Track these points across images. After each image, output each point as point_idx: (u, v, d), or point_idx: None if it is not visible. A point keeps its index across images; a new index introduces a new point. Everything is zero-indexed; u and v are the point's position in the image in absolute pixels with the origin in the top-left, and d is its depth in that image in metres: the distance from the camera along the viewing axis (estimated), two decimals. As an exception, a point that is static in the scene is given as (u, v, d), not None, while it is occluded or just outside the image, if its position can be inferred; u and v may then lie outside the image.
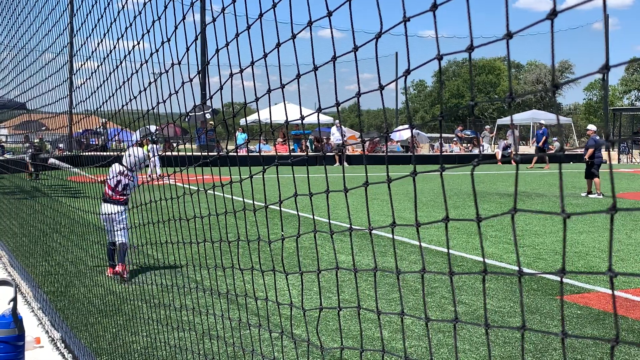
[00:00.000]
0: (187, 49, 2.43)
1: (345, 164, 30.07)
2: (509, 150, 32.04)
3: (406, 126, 39.39)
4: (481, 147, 37.70)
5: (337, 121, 33.58)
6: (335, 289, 6.54)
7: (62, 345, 4.85)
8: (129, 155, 6.91)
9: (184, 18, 2.41)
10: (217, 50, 2.11)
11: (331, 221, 9.35)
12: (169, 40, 2.59)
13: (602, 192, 15.92)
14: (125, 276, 6.52)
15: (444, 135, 44.58)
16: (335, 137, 31.36)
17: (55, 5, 5.02)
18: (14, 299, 3.96)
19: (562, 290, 1.15)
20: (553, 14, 0.96)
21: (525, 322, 1.08)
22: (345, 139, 35.82)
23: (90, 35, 3.90)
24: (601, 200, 15.37)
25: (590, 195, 15.95)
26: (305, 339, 4.58)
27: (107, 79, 3.62)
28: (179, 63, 2.54)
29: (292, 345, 4.55)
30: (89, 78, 4.12)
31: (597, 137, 16.89)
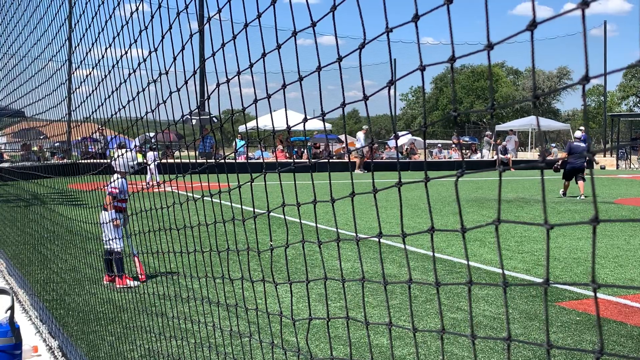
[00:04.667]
0: (174, 59, 2.42)
1: (365, 171, 30.03)
2: (507, 155, 32.08)
3: (401, 134, 39.46)
4: (480, 153, 37.69)
5: (366, 127, 33.50)
6: (334, 296, 6.53)
7: (60, 353, 4.83)
8: (116, 160, 6.84)
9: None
10: (204, 60, 2.10)
11: (330, 228, 9.27)
12: (155, 49, 2.58)
13: (564, 194, 16.80)
14: (128, 284, 6.47)
15: (443, 141, 44.62)
16: (359, 143, 31.49)
17: (56, 14, 5.02)
18: (12, 308, 3.95)
19: (546, 302, 1.13)
20: (533, 25, 0.95)
21: (511, 332, 1.06)
22: (343, 145, 35.83)
23: (82, 38, 3.89)
24: (599, 206, 15.37)
25: (563, 196, 16.80)
26: (304, 347, 4.56)
27: (97, 86, 3.61)
28: (167, 73, 2.53)
29: (290, 354, 4.53)
30: (83, 82, 4.12)
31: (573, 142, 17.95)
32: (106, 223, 6.42)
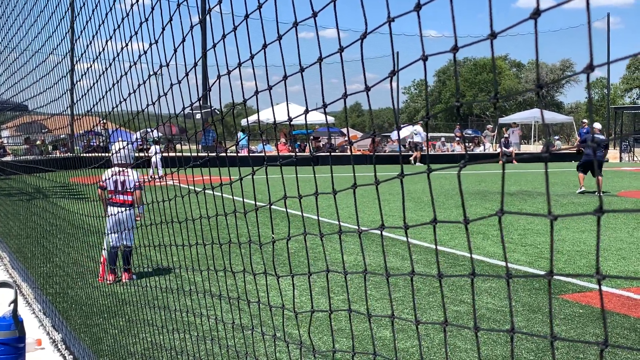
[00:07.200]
0: (175, 52, 2.41)
1: (420, 163, 30.05)
2: (510, 149, 32.03)
3: (402, 126, 39.86)
4: (483, 146, 37.68)
5: (421, 122, 33.56)
6: (337, 289, 6.53)
7: (63, 346, 4.84)
8: (116, 152, 6.76)
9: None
10: (205, 52, 2.09)
11: (332, 221, 9.23)
12: (156, 41, 2.57)
13: (584, 189, 16.09)
14: (132, 278, 6.48)
15: (446, 134, 44.57)
16: (419, 137, 31.61)
17: (57, 7, 5.00)
18: (15, 301, 3.95)
19: (550, 294, 1.13)
20: (536, 13, 0.94)
21: (514, 325, 1.06)
22: (346, 138, 35.81)
23: (83, 30, 3.88)
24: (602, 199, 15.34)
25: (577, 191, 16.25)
26: (306, 339, 4.56)
27: (98, 78, 3.60)
28: (167, 65, 2.52)
29: (293, 346, 4.54)
30: (84, 75, 4.11)
31: (590, 134, 17.08)
32: (114, 216, 6.41)
